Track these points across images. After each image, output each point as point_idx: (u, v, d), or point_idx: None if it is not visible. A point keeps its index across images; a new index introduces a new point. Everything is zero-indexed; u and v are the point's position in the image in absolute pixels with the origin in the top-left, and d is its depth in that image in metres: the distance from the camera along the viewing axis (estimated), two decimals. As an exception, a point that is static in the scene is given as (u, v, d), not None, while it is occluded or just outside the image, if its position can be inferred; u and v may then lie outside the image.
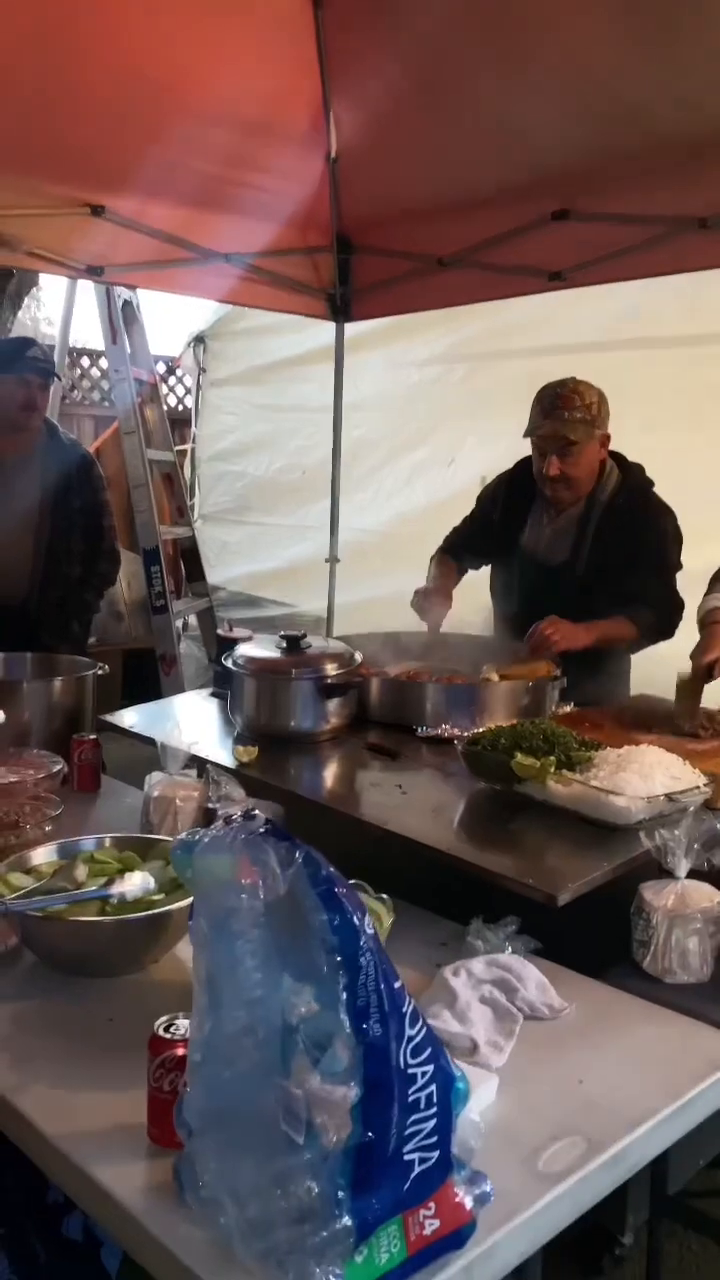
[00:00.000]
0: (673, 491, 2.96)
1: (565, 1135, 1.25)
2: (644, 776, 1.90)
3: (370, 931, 0.92)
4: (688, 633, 2.87)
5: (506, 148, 3.46)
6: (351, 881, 1.62)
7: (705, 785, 1.96)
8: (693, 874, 1.75)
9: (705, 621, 2.61)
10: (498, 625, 3.13)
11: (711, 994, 1.67)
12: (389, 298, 4.25)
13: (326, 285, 4.38)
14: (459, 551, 3.17)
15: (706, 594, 2.69)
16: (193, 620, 5.57)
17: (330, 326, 4.56)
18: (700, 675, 2.47)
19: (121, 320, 5.19)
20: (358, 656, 2.51)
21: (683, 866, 1.74)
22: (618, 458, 3.00)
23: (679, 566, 2.92)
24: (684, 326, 3.82)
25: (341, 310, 4.44)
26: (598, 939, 1.75)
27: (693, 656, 2.51)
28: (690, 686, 2.45)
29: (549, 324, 4.09)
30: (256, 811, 0.95)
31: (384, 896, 1.58)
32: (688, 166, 3.17)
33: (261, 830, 0.93)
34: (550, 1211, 1.15)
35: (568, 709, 2.62)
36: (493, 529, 3.09)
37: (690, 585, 2.90)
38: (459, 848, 1.84)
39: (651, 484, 2.98)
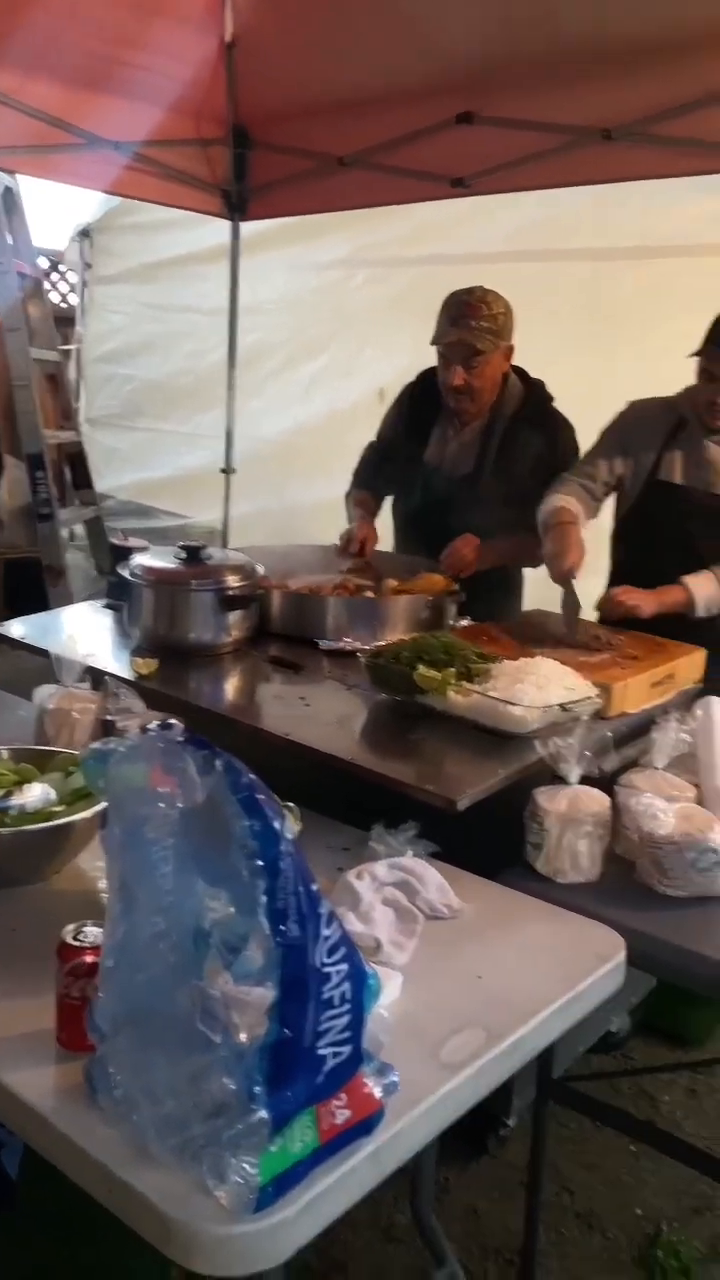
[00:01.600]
0: (570, 406, 2.99)
1: (466, 1027, 1.30)
2: (539, 687, 1.95)
3: (290, 836, 0.93)
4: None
5: (412, 45, 3.34)
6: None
7: (597, 696, 2.03)
8: (584, 780, 1.83)
9: (550, 523, 2.63)
10: (400, 539, 3.13)
11: (600, 892, 1.76)
12: (287, 197, 4.12)
13: (221, 181, 4.20)
14: (372, 481, 3.11)
15: (549, 493, 2.73)
16: (79, 530, 5.40)
17: (226, 225, 4.39)
18: (567, 584, 2.54)
19: (2, 209, 4.89)
20: (259, 569, 2.49)
21: (574, 773, 1.81)
22: (519, 372, 3.00)
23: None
24: (588, 240, 3.81)
25: (237, 208, 4.28)
26: (494, 843, 1.82)
27: (551, 564, 2.57)
28: (565, 598, 2.52)
29: (453, 232, 4.03)
30: (173, 720, 0.93)
31: (290, 805, 1.59)
32: (593, 75, 3.13)
33: (180, 739, 0.92)
34: (452, 1098, 1.21)
35: (465, 623, 2.66)
36: (398, 443, 3.06)
37: None
38: (361, 757, 1.87)
39: (552, 398, 3.00)
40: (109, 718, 1.97)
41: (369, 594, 2.66)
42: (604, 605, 2.51)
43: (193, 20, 3.49)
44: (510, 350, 2.90)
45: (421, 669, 2.01)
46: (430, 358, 2.98)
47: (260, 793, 0.92)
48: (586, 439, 2.96)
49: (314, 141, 3.92)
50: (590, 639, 2.39)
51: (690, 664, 2.38)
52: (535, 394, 2.97)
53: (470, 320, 2.76)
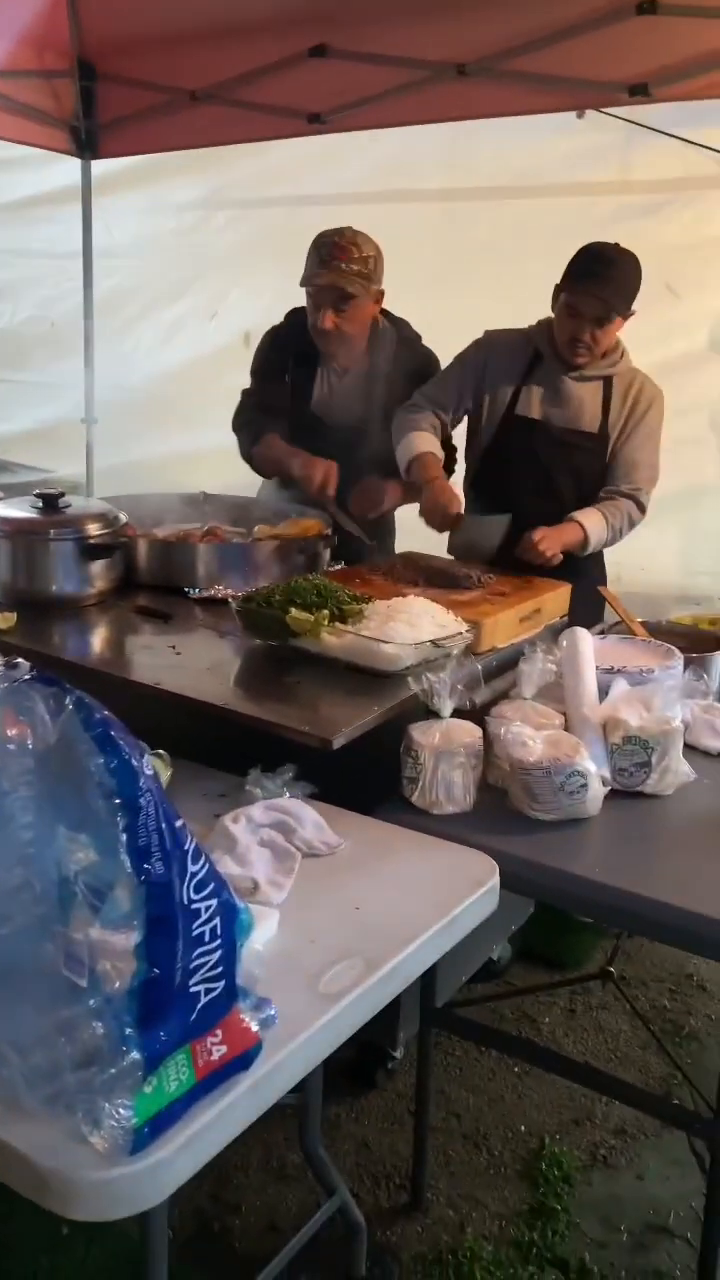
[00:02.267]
0: (433, 348, 2.99)
1: (344, 958, 1.31)
2: (411, 625, 1.96)
3: (150, 772, 0.90)
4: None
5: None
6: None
7: (467, 631, 2.05)
8: (456, 713, 1.85)
9: (421, 476, 2.65)
10: (269, 482, 3.08)
11: (474, 821, 1.78)
12: (139, 133, 3.96)
13: (68, 116, 4.01)
14: (271, 424, 2.93)
15: (402, 424, 2.75)
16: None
17: (76, 164, 4.20)
18: (459, 525, 2.58)
19: None
20: (122, 516, 2.41)
21: (447, 707, 1.83)
22: (387, 314, 2.98)
23: None
24: (444, 180, 3.79)
25: (87, 145, 4.10)
26: (371, 779, 1.82)
27: (433, 516, 2.61)
28: (473, 528, 2.59)
29: (311, 172, 3.95)
30: (19, 660, 0.89)
31: (161, 752, 1.56)
32: (448, 9, 3.10)
33: (26, 678, 0.88)
34: (332, 1028, 1.21)
35: (338, 567, 2.65)
36: (277, 387, 2.97)
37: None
38: (234, 702, 1.85)
39: (419, 336, 2.99)
40: (-33, 674, 1.90)
41: (239, 540, 2.62)
42: (524, 550, 2.52)
43: (28, -61, 3.30)
44: (380, 295, 2.87)
45: (294, 612, 2.00)
46: (295, 298, 2.92)
47: (114, 729, 0.89)
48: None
49: (164, 75, 3.78)
50: (462, 578, 2.41)
51: (556, 599, 2.43)
52: (406, 334, 2.96)
53: (340, 262, 2.71)
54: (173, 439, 4.39)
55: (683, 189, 3.42)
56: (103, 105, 4.01)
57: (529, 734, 1.79)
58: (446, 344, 2.97)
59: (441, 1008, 2.02)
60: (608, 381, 2.70)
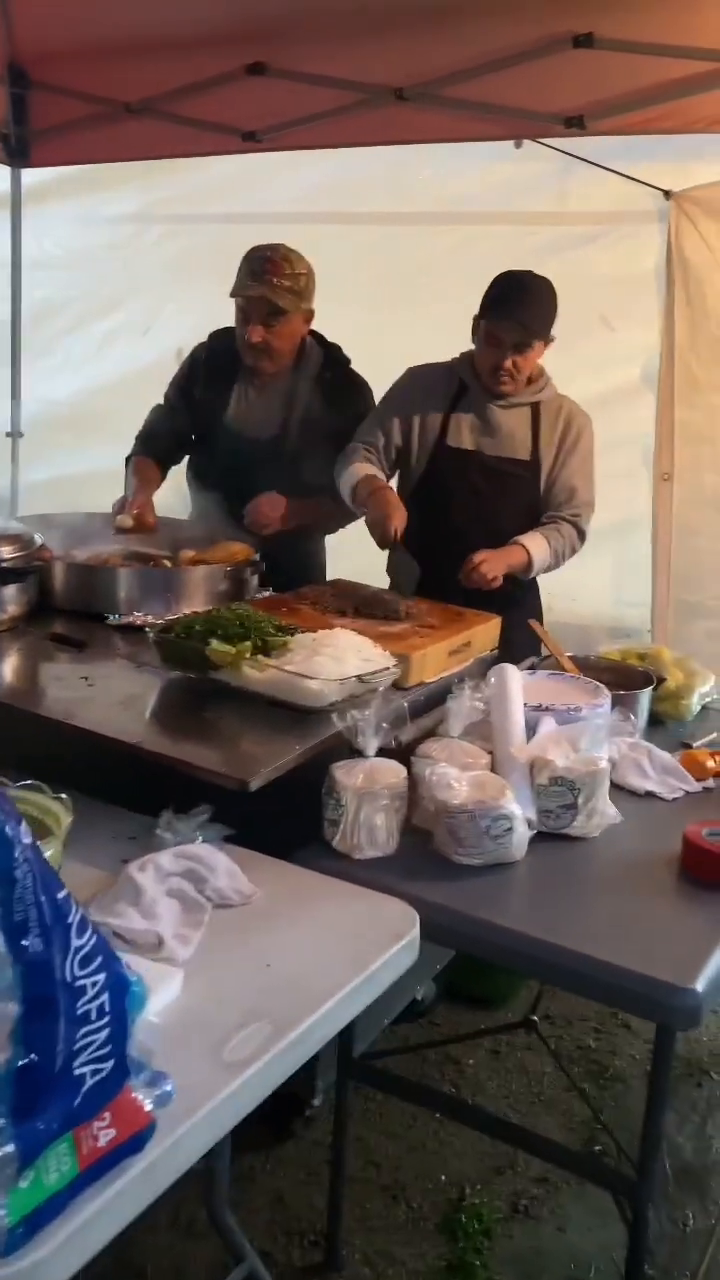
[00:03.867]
0: (362, 372, 2.95)
1: (252, 1021, 1.23)
2: (337, 660, 1.90)
3: (27, 840, 0.82)
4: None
5: (201, -16, 3.18)
6: (27, 783, 1.52)
7: (394, 666, 1.99)
8: (381, 752, 1.79)
9: (364, 490, 2.59)
10: (197, 504, 3.01)
11: (397, 866, 1.72)
12: (71, 143, 3.86)
13: (-1, 123, 3.90)
14: (158, 445, 2.95)
15: (343, 465, 2.70)
16: None
17: (5, 171, 4.09)
18: (394, 547, 2.54)
19: None
20: (38, 538, 2.32)
21: (372, 745, 1.77)
22: (316, 336, 2.94)
23: None
24: (382, 203, 3.76)
25: (17, 153, 3.98)
26: (291, 820, 1.75)
27: (375, 528, 2.55)
28: (395, 561, 2.54)
29: (248, 190, 3.89)
30: None
31: (62, 796, 1.47)
32: (387, 33, 3.07)
33: None
34: (236, 1099, 1.14)
35: (266, 594, 2.58)
36: (191, 403, 2.93)
37: None
38: (148, 739, 1.76)
39: (349, 361, 2.95)
40: None
41: (164, 564, 2.54)
42: (466, 575, 2.47)
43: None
44: (310, 314, 2.84)
45: (214, 644, 1.92)
46: (226, 318, 2.87)
47: (-12, 792, 0.81)
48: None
49: (100, 85, 3.68)
50: (391, 609, 2.36)
51: (486, 632, 2.39)
52: (334, 357, 2.92)
53: (272, 277, 2.68)
54: (102, 454, 4.26)
55: (618, 222, 3.43)
56: (35, 113, 3.90)
57: (454, 775, 1.74)
58: (380, 369, 2.93)
59: (360, 1058, 1.95)
60: (535, 408, 2.70)
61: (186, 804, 1.63)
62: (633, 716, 2.14)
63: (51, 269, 4.42)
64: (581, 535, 2.69)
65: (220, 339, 2.96)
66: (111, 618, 2.30)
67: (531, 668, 2.31)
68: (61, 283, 4.47)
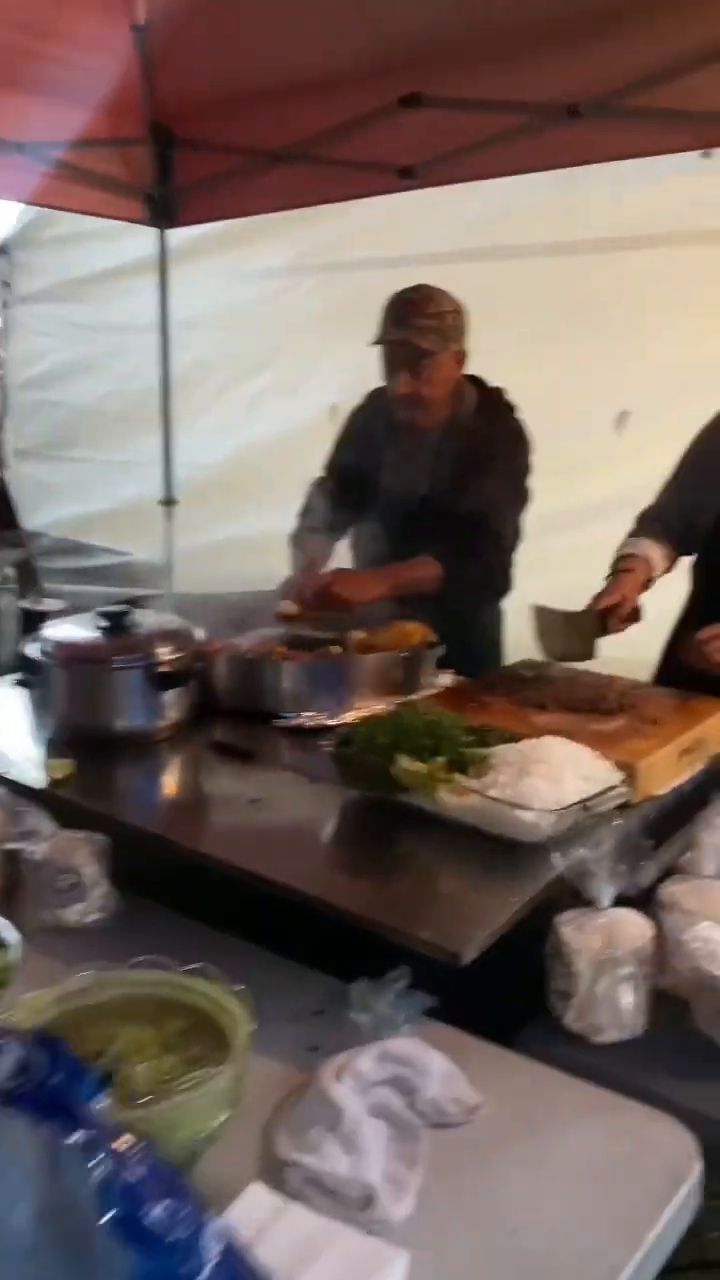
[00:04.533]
0: (537, 419, 2.62)
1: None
2: (553, 780, 1.56)
3: (213, 1256, 0.51)
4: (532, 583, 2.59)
5: (347, 19, 2.95)
6: (196, 966, 1.23)
7: (622, 784, 1.64)
8: (618, 900, 1.44)
9: (616, 568, 2.33)
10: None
11: (649, 1055, 1.36)
12: (217, 198, 3.72)
13: (143, 184, 3.79)
14: (321, 520, 2.70)
15: (628, 536, 2.43)
16: (10, 573, 4.93)
17: (153, 233, 3.98)
18: (593, 615, 2.19)
19: None
20: (198, 633, 2.07)
21: (607, 893, 1.42)
22: (476, 380, 2.64)
23: (524, 496, 2.61)
24: (550, 233, 3.44)
25: (163, 213, 3.87)
26: (506, 981, 1.41)
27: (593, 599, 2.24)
28: (580, 620, 2.18)
29: (403, 230, 3.66)
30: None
31: (238, 987, 1.18)
32: (557, 44, 2.76)
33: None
34: None
35: (446, 679, 2.26)
36: (351, 471, 2.68)
37: (542, 529, 2.61)
38: (332, 888, 1.46)
39: (514, 408, 2.63)
40: (9, 845, 1.56)
41: (332, 651, 2.26)
42: (690, 652, 2.12)
43: (97, 1, 3.08)
44: (462, 356, 2.56)
45: (402, 761, 1.61)
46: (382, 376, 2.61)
47: (152, 1193, 0.51)
48: (556, 454, 2.61)
49: (243, 135, 3.53)
50: (598, 698, 2.00)
51: (718, 723, 2.00)
52: (490, 401, 2.61)
53: (413, 319, 2.44)
54: (257, 519, 4.09)
55: None
56: (179, 170, 3.78)
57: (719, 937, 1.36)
58: (551, 413, 2.61)
59: None
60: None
61: (375, 962, 1.32)
62: None
63: (199, 329, 4.30)
64: None
65: (375, 398, 2.73)
66: (278, 720, 2.02)
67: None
68: (209, 343, 4.35)
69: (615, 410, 3.28)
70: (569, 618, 2.18)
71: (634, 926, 1.41)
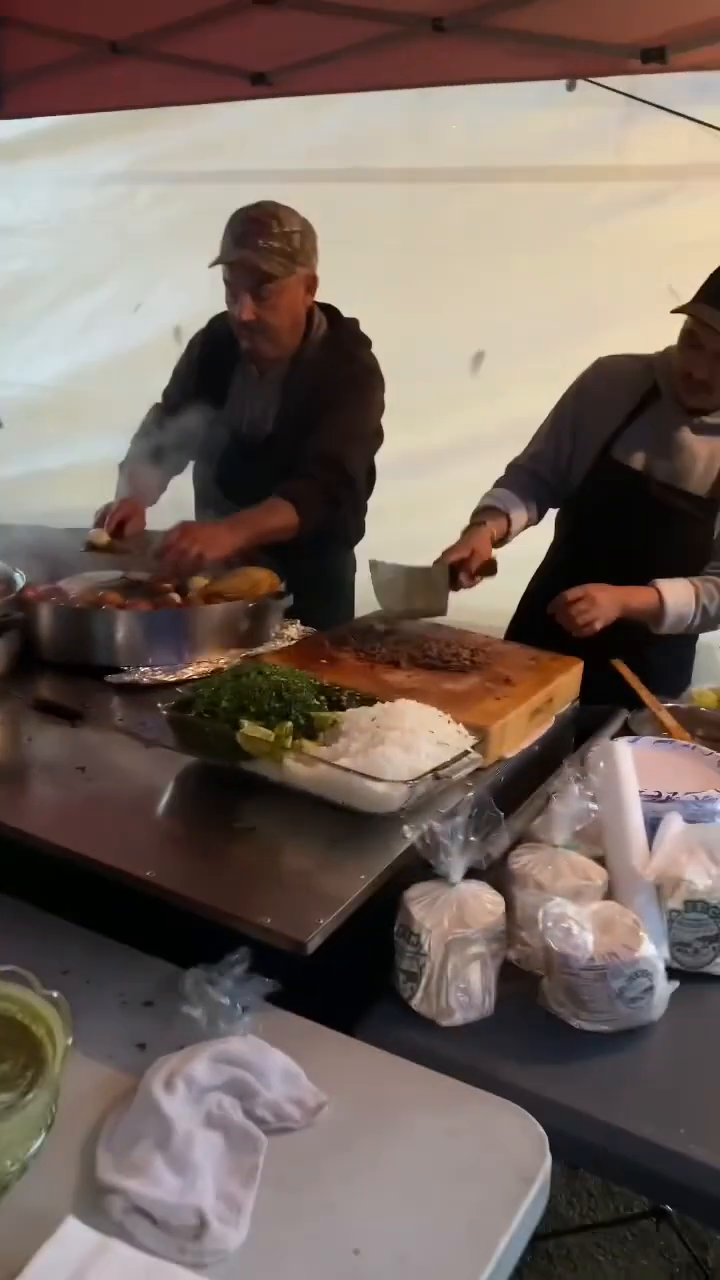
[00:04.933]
0: (385, 355, 2.49)
1: None
2: (405, 748, 1.47)
3: None
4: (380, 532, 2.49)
5: None
6: (6, 969, 1.09)
7: (474, 749, 1.57)
8: (469, 873, 1.38)
9: (474, 520, 2.26)
10: (201, 519, 2.56)
11: (498, 1037, 1.31)
12: (50, 90, 3.38)
13: (-33, 67, 3.40)
14: (154, 449, 2.50)
15: (494, 485, 2.36)
16: None
17: (-24, 124, 3.60)
18: (439, 570, 2.11)
19: None
20: (18, 577, 1.88)
21: (458, 868, 1.36)
22: (328, 310, 2.49)
23: (376, 438, 2.48)
24: (409, 158, 3.28)
25: (-11, 103, 3.49)
26: (350, 961, 1.33)
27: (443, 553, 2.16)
28: (421, 576, 2.09)
29: (253, 144, 3.42)
30: None
31: (54, 995, 1.05)
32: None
33: None
34: None
35: (294, 631, 2.15)
36: (190, 400, 2.49)
37: (397, 467, 2.51)
38: (166, 871, 1.32)
39: (367, 342, 2.49)
40: None
41: (173, 599, 2.10)
42: (555, 610, 2.04)
43: None
44: (312, 280, 2.40)
45: (246, 726, 1.49)
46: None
47: None
48: (405, 395, 2.49)
49: (83, 22, 3.20)
50: (452, 655, 1.93)
51: (569, 682, 1.96)
52: (343, 333, 2.47)
53: (257, 239, 2.25)
54: (90, 447, 3.82)
55: (691, 176, 2.96)
56: (7, 56, 3.41)
57: (573, 914, 1.31)
58: (404, 350, 2.49)
59: None
60: None
61: (217, 938, 1.22)
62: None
63: (30, 236, 3.94)
64: None
65: (220, 322, 2.54)
66: (111, 676, 1.86)
67: (628, 730, 1.89)
68: (41, 252, 4.00)
69: (471, 350, 3.19)
70: (410, 573, 2.08)
71: (487, 904, 1.35)
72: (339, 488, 2.32)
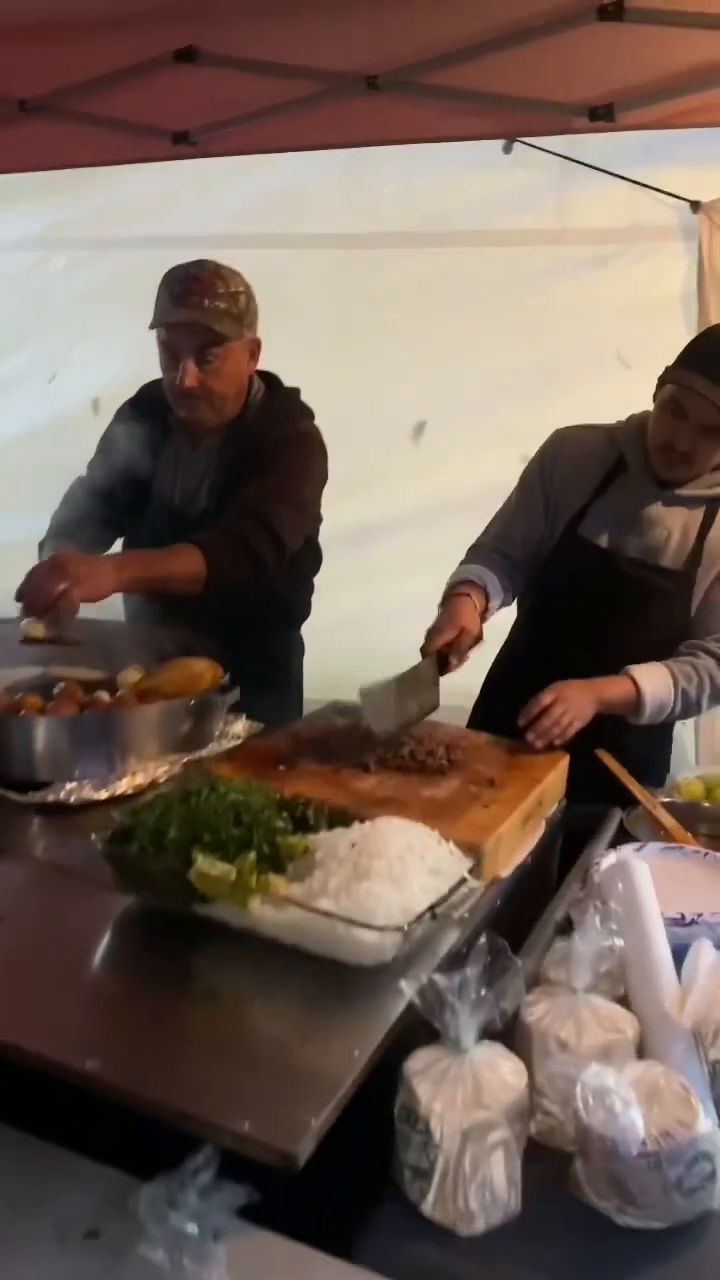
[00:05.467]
0: (328, 429, 2.31)
1: None
2: (395, 879, 1.23)
3: None
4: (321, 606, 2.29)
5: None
6: None
7: (470, 874, 1.34)
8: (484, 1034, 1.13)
9: (446, 595, 2.05)
10: (129, 607, 2.31)
11: (530, 1247, 1.06)
12: (-46, 150, 3.16)
13: None
14: (78, 529, 2.25)
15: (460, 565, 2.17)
16: None
17: None
18: (428, 662, 1.88)
19: None
20: None
21: (469, 1031, 1.11)
22: (268, 377, 2.31)
23: (314, 506, 2.27)
24: (342, 224, 3.15)
25: None
26: (343, 1153, 1.07)
27: (426, 639, 1.92)
28: (410, 680, 1.84)
29: (177, 207, 3.25)
30: None
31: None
32: (355, 9, 2.47)
33: None
34: None
35: (239, 726, 1.90)
36: (119, 476, 2.26)
37: (337, 540, 2.35)
38: (112, 1059, 1.05)
39: (309, 413, 2.31)
40: None
41: (102, 698, 1.84)
42: (529, 720, 1.81)
43: None
44: (256, 345, 2.22)
45: (201, 862, 1.24)
46: (149, 359, 2.21)
47: None
48: (344, 467, 2.32)
49: (-13, 79, 3.01)
50: (425, 754, 1.71)
51: (556, 779, 1.76)
52: (282, 402, 2.27)
53: (202, 298, 2.06)
54: (5, 524, 3.55)
55: (633, 240, 2.88)
56: None
57: (613, 1086, 1.08)
58: (341, 422, 2.31)
59: None
60: (713, 506, 2.06)
61: (173, 1144, 0.95)
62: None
63: (-66, 304, 3.70)
64: None
65: (150, 390, 2.33)
66: (31, 794, 1.59)
67: (626, 834, 1.69)
68: (-54, 320, 3.75)
69: (412, 420, 3.04)
70: (399, 681, 1.82)
71: (506, 1074, 1.11)
72: (260, 542, 2.05)
